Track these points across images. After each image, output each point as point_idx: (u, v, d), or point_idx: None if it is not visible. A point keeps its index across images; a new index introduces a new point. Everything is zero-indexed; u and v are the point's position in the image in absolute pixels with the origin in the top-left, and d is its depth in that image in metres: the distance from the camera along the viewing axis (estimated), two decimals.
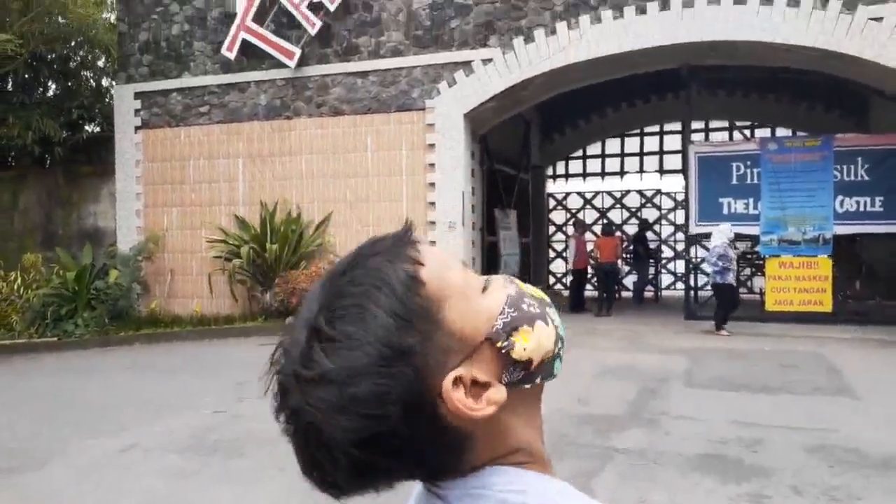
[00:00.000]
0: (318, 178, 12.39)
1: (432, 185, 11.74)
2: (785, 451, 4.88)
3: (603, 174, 18.48)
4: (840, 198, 11.15)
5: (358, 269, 0.66)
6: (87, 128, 15.19)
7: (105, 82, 15.81)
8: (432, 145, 11.71)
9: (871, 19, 9.60)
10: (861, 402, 6.30)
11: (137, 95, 13.28)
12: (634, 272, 16.33)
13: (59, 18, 12.62)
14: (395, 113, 11.93)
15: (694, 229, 12.10)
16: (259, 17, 12.29)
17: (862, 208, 11.12)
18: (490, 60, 11.32)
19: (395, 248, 0.68)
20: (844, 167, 11.17)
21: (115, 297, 12.09)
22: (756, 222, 11.60)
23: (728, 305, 10.47)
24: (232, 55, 12.51)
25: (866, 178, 11.09)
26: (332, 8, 11.87)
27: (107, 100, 15.07)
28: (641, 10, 10.56)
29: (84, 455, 5.17)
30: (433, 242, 11.66)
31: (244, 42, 12.39)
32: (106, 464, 4.97)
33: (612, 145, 18.30)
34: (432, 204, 11.73)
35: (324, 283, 0.68)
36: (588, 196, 18.45)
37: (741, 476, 4.41)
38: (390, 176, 12.03)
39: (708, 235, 11.67)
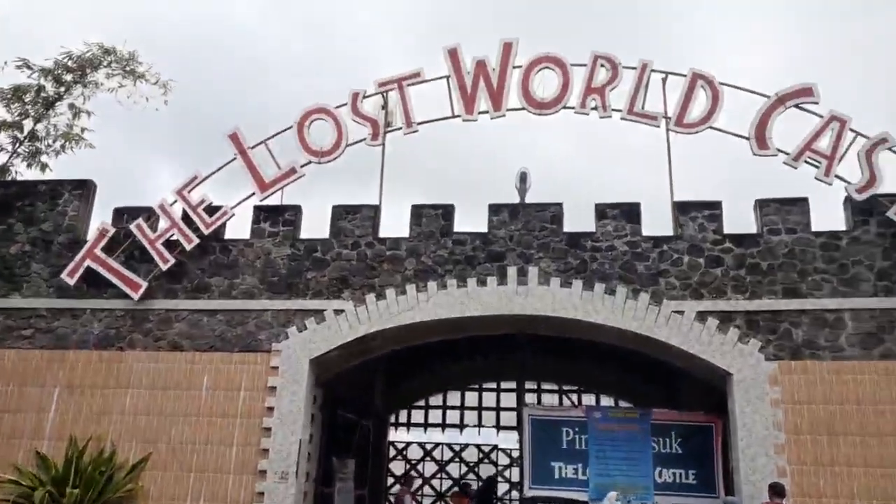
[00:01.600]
0: (142, 414, 11.52)
1: (268, 430, 11.27)
2: None
3: (443, 426, 18.66)
4: (658, 469, 11.91)
5: None
6: None
7: None
8: (273, 388, 11.46)
9: (675, 312, 11.14)
10: None
11: None
12: None
13: None
14: (239, 353, 11.72)
15: (528, 492, 12.24)
16: (109, 248, 12.15)
17: (678, 480, 11.89)
18: (342, 311, 11.70)
19: None
20: (661, 440, 12.10)
21: None
22: (585, 488, 11.97)
23: None
24: (72, 281, 12.04)
25: (679, 451, 12.03)
26: (188, 247, 12.04)
27: None
28: (482, 283, 11.63)
29: None
30: (261, 494, 10.89)
31: (88, 269, 12.05)
32: None
33: (453, 398, 18.77)
34: (265, 451, 11.16)
35: None
36: (428, 447, 18.40)
37: None
38: (224, 417, 11.46)
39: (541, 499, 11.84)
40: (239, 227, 12.51)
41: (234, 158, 12.37)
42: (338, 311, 11.72)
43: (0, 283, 12.34)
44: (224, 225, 12.38)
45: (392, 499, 13.72)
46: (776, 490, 9.52)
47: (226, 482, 11.08)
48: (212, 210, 12.24)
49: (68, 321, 12.05)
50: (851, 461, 10.22)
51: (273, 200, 12.42)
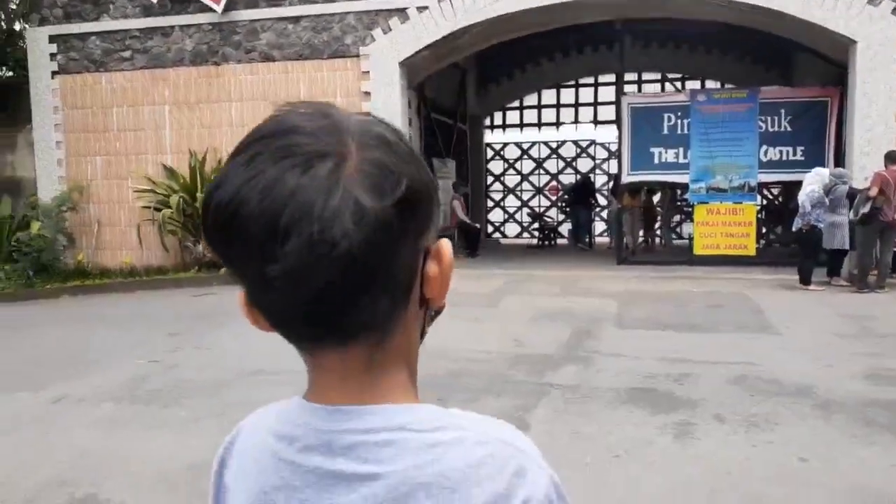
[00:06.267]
0: (248, 125, 11.29)
1: None
2: (710, 383, 5.15)
3: (539, 125, 18.61)
4: (764, 147, 11.57)
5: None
6: None
7: (18, 26, 14.80)
8: (368, 93, 11.51)
9: None
10: (780, 337, 6.66)
11: (52, 39, 12.50)
12: (569, 219, 16.73)
13: None
14: (329, 60, 11.63)
15: (626, 178, 12.38)
16: None
17: (785, 157, 11.58)
18: (426, 8, 11.11)
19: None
20: (769, 118, 11.57)
21: (39, 249, 11.58)
22: (685, 171, 11.94)
23: (811, 254, 9.34)
24: None
25: (789, 128, 11.53)
26: None
27: (20, 43, 14.13)
28: None
29: (10, 408, 5.00)
30: None
31: None
32: (35, 416, 4.82)
33: (548, 96, 18.40)
34: None
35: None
36: (525, 146, 18.62)
37: (669, 407, 4.63)
38: None
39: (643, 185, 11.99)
40: None
41: None
42: (421, 8, 11.14)
43: (88, 7, 12.37)
44: None
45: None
46: (893, 158, 9.13)
47: None
48: None
49: (161, 39, 12.16)
50: None
51: None
